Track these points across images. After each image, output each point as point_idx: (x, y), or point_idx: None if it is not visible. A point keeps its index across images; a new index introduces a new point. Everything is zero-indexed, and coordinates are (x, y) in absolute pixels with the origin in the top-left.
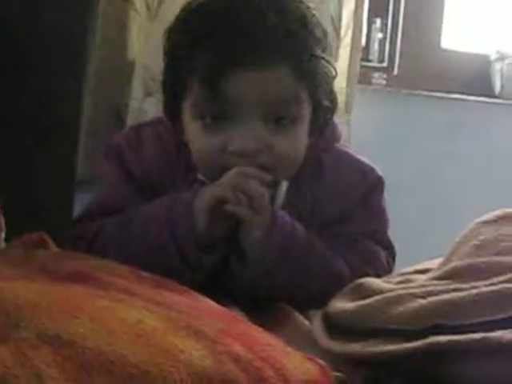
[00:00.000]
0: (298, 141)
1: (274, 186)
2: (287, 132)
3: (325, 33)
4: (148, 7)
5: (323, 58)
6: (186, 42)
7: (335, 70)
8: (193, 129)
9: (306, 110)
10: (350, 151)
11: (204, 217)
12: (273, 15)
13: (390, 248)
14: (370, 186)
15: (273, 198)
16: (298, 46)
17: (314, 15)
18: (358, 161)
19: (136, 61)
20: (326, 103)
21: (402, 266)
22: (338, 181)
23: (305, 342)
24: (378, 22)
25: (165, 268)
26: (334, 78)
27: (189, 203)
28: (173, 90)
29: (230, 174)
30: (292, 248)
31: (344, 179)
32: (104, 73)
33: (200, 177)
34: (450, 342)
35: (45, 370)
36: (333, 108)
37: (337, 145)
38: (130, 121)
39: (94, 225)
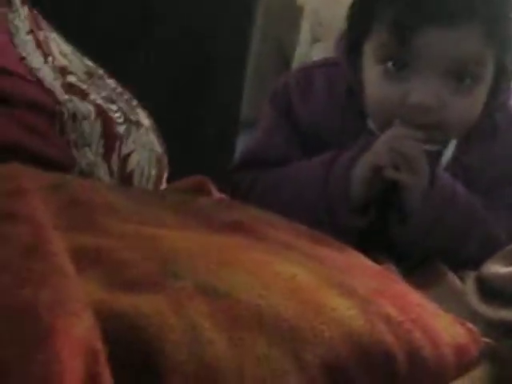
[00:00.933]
0: (476, 102)
1: (443, 143)
2: (467, 92)
3: None
4: None
5: None
6: None
7: None
8: (373, 72)
9: (490, 72)
10: None
11: (361, 186)
12: None
13: None
14: None
15: (439, 156)
16: (491, 8)
17: None
18: None
19: (305, 5)
20: (511, 67)
21: None
22: (509, 143)
23: (457, 304)
24: None
25: (318, 227)
26: None
27: (346, 172)
28: (358, 27)
29: (385, 136)
30: (451, 210)
31: None
32: (273, 14)
33: (370, 125)
34: None
35: (200, 321)
36: None
37: (510, 104)
38: (296, 65)
39: (250, 176)
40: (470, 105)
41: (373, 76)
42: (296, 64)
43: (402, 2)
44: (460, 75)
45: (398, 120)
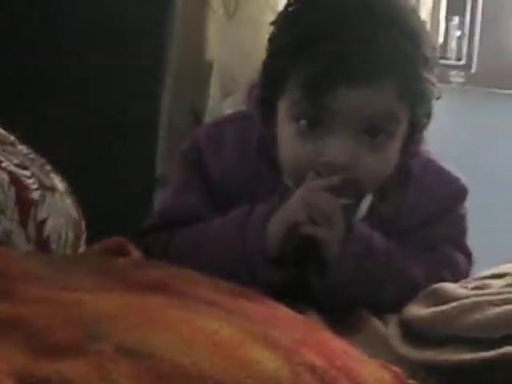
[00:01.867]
0: (389, 157)
1: (358, 197)
2: (380, 148)
3: (434, 49)
4: (225, 7)
5: (428, 80)
6: (293, 41)
7: (440, 90)
8: (286, 130)
9: (404, 127)
10: (435, 158)
11: (277, 241)
12: (385, 30)
13: (468, 254)
14: (454, 195)
15: (355, 210)
16: (406, 66)
17: (425, 30)
18: (444, 169)
19: (214, 61)
20: (424, 121)
21: (481, 269)
22: (423, 188)
23: (381, 348)
24: (456, 19)
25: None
26: (437, 98)
27: (261, 227)
28: (272, 84)
29: (300, 192)
30: (369, 260)
31: (430, 187)
32: (182, 72)
33: (286, 179)
34: None
35: (124, 383)
36: (427, 124)
37: (422, 150)
38: (208, 121)
39: (165, 235)
40: (383, 160)
41: (286, 133)
42: (208, 119)
43: (314, 61)
44: (373, 132)
45: (312, 173)
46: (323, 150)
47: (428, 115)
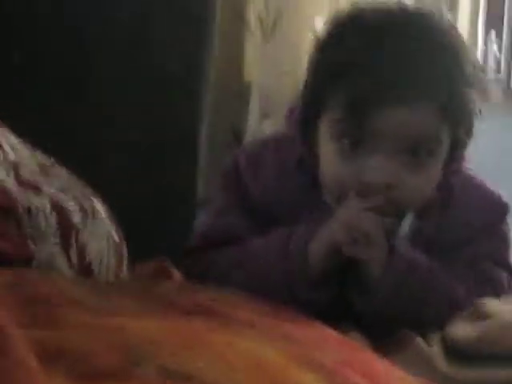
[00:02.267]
0: (431, 177)
1: (400, 216)
2: (422, 167)
3: (475, 67)
4: (262, 27)
5: (469, 97)
6: (335, 62)
7: (480, 109)
8: (328, 149)
9: (445, 147)
10: (476, 176)
11: (319, 261)
12: (426, 49)
13: (510, 270)
14: (496, 212)
15: (396, 229)
16: (448, 85)
17: (466, 49)
18: (485, 187)
19: (253, 81)
20: (465, 138)
21: None
22: (464, 207)
23: (424, 367)
24: (493, 34)
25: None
26: (478, 114)
27: (303, 247)
28: (313, 103)
29: (341, 212)
30: (411, 278)
31: (471, 205)
32: (222, 93)
33: (326, 198)
34: None
35: None
36: (468, 141)
37: (464, 168)
38: (248, 140)
39: (206, 257)
40: (425, 180)
41: (328, 152)
42: (247, 139)
43: (357, 81)
44: (415, 151)
45: (353, 192)
46: (364, 169)
47: (469, 133)
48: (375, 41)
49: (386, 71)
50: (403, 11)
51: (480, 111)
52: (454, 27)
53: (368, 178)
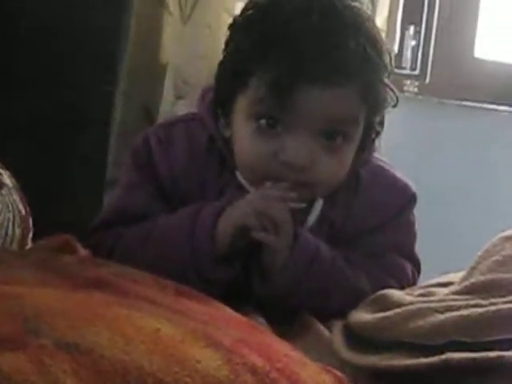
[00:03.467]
0: (345, 161)
1: (309, 201)
2: (337, 150)
3: (390, 58)
4: (181, 9)
5: (387, 86)
6: (257, 44)
7: (397, 98)
8: (244, 129)
9: (360, 132)
10: (385, 165)
11: (225, 241)
12: (350, 33)
13: (415, 262)
14: (402, 202)
15: (305, 213)
16: (369, 70)
17: (382, 37)
18: (393, 176)
19: (168, 63)
20: (378, 127)
21: (428, 276)
22: (372, 195)
23: (324, 352)
24: (412, 29)
25: (183, 281)
26: (393, 106)
27: (211, 223)
28: (231, 83)
29: (254, 197)
30: (314, 270)
31: (378, 194)
32: (136, 74)
33: (239, 178)
34: (465, 359)
35: (62, 377)
36: (380, 131)
37: (373, 157)
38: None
39: (113, 233)
40: (339, 163)
41: (245, 132)
42: (160, 121)
43: (282, 60)
44: (332, 134)
45: (269, 183)
46: (282, 149)
47: (382, 123)
48: (295, 20)
49: (306, 50)
50: None
51: (397, 100)
52: (372, 18)
53: (285, 158)
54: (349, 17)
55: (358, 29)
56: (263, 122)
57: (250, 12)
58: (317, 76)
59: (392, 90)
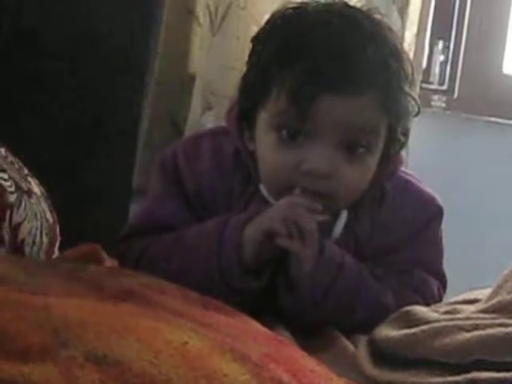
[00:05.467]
0: (367, 171)
1: (333, 213)
2: (358, 161)
3: (412, 67)
4: (211, 21)
5: (409, 95)
6: (277, 52)
7: (419, 107)
8: (267, 140)
9: (382, 142)
10: (412, 179)
11: (252, 248)
12: (371, 42)
13: (441, 278)
14: (429, 216)
15: (331, 227)
16: (389, 80)
17: (404, 49)
18: (420, 189)
19: (196, 74)
20: (401, 138)
21: (454, 292)
22: (398, 209)
23: (349, 367)
24: (441, 44)
25: (210, 291)
26: (415, 115)
27: (238, 233)
28: (253, 95)
29: (282, 204)
30: (339, 282)
31: (405, 208)
32: (164, 84)
33: (263, 191)
34: (491, 378)
35: None
36: (405, 142)
37: (399, 171)
38: (188, 134)
39: (139, 244)
40: (361, 173)
41: (267, 143)
42: (188, 132)
43: (302, 70)
44: (354, 144)
45: (298, 190)
46: (304, 159)
47: (405, 133)
48: (315, 30)
49: (325, 59)
50: (348, 7)
51: (419, 111)
52: (392, 28)
53: (307, 167)
54: (368, 26)
55: (378, 38)
56: (284, 132)
57: (272, 23)
58: (337, 86)
59: (414, 99)
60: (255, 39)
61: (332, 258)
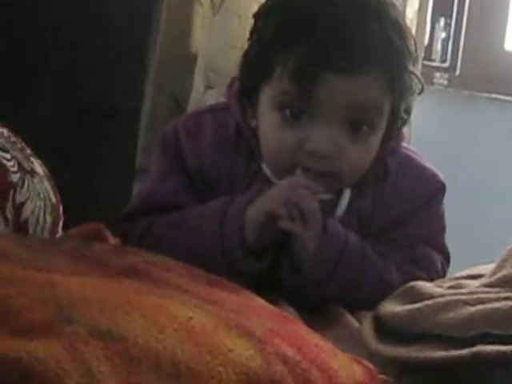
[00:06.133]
0: (370, 150)
1: (336, 192)
2: (362, 140)
3: (415, 44)
4: (212, 0)
5: (413, 73)
6: (279, 31)
7: (422, 85)
8: (270, 119)
9: (385, 120)
10: (414, 155)
11: (254, 230)
12: (374, 20)
13: (444, 253)
14: (431, 191)
15: (334, 204)
16: (393, 57)
17: (408, 27)
18: (422, 165)
19: (198, 53)
20: (403, 116)
21: (457, 268)
22: (400, 185)
23: (354, 343)
24: (442, 21)
25: (213, 272)
26: (419, 93)
27: (241, 214)
28: (256, 73)
29: (283, 185)
30: (343, 260)
31: (407, 184)
32: (166, 64)
33: (265, 170)
34: (496, 352)
35: (95, 364)
36: (407, 120)
37: (401, 147)
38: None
39: (142, 222)
40: (364, 152)
41: (270, 122)
42: (190, 110)
43: (305, 50)
44: (357, 123)
45: (300, 170)
46: (307, 138)
47: (408, 111)
48: (318, 8)
49: (328, 38)
50: None
51: (422, 88)
52: (395, 5)
53: (311, 147)
54: (372, 4)
55: (382, 16)
56: (288, 112)
57: (271, 1)
58: (340, 64)
59: (417, 77)
60: (257, 15)
61: (336, 236)
